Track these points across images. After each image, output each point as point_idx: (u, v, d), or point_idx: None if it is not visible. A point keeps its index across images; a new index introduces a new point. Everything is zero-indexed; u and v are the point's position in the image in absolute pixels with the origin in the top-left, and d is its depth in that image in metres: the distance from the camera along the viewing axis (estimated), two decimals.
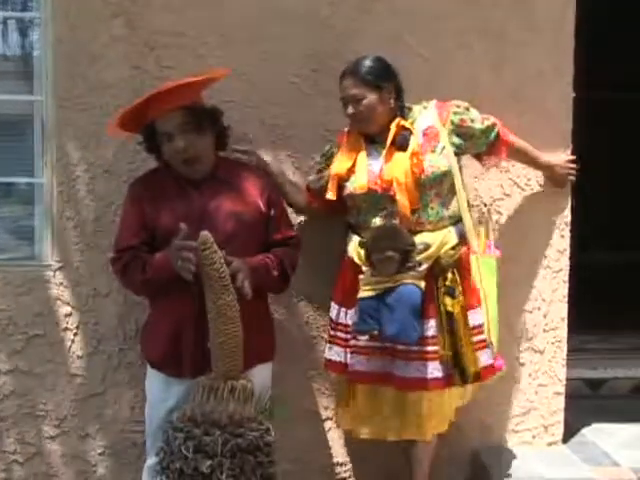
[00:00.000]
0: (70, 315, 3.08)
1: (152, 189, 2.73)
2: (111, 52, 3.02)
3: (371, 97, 2.74)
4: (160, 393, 2.73)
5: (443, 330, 2.72)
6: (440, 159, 2.76)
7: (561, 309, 3.21)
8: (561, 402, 3.24)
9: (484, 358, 2.77)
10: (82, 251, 3.06)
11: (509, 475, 3.02)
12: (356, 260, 2.78)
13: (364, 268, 2.74)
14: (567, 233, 3.20)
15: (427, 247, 2.71)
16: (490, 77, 3.12)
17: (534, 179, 3.15)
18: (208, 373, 2.54)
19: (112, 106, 3.01)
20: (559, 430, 3.25)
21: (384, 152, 2.76)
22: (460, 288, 2.74)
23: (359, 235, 2.79)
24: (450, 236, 2.77)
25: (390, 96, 2.78)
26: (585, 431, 3.39)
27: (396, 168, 2.73)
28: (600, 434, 3.36)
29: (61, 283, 3.07)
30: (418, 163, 2.72)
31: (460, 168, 2.84)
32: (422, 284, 2.69)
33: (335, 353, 2.83)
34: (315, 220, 3.04)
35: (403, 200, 2.70)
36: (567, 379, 3.26)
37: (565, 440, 3.27)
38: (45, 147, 3.07)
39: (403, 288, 2.67)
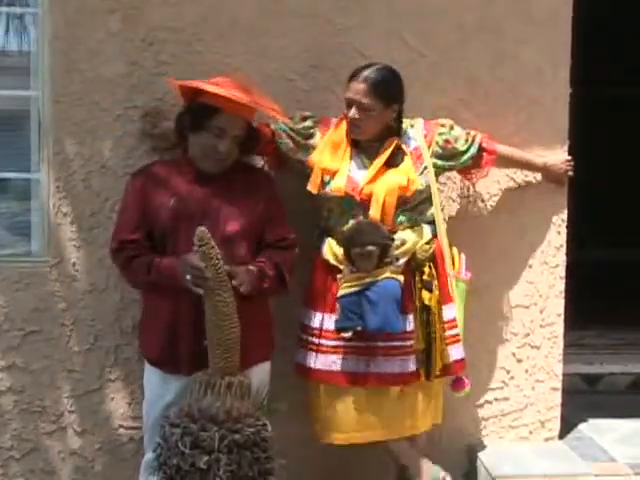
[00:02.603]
0: (66, 311, 3.07)
1: (155, 182, 2.72)
2: (108, 48, 3.01)
3: (377, 110, 2.75)
4: (158, 389, 2.73)
5: (418, 324, 2.76)
6: (420, 178, 2.80)
7: (558, 305, 3.22)
8: (558, 398, 3.25)
9: (456, 352, 2.83)
10: (78, 247, 3.06)
11: (506, 471, 3.02)
12: (332, 261, 2.80)
13: (342, 266, 2.76)
14: (564, 229, 3.20)
15: (403, 242, 2.75)
16: (488, 74, 3.12)
17: (531, 175, 3.15)
18: (206, 369, 2.55)
19: (109, 102, 3.01)
20: (556, 426, 3.26)
21: (370, 167, 2.78)
22: (436, 282, 2.79)
23: (332, 238, 2.81)
24: (424, 232, 2.81)
25: (393, 115, 2.80)
26: (582, 427, 3.39)
27: (380, 185, 2.74)
28: (597, 430, 3.37)
29: (57, 279, 3.06)
30: (407, 185, 2.74)
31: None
32: (401, 278, 2.73)
33: (303, 358, 2.84)
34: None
35: (375, 215, 2.73)
36: (564, 375, 3.27)
37: (562, 436, 3.28)
38: (42, 143, 3.06)
39: (384, 282, 2.71)
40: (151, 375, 2.77)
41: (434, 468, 2.89)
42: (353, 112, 2.75)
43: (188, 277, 2.52)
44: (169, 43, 3.02)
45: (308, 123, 2.88)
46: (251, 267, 2.65)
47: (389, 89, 2.77)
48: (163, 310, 2.69)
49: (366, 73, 2.75)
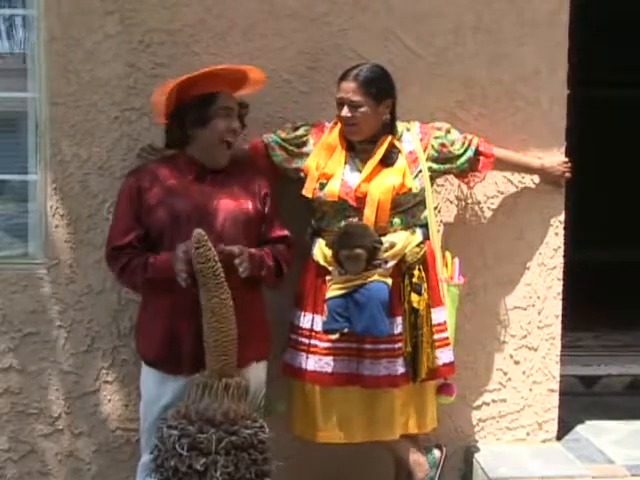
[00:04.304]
0: (64, 313, 3.07)
1: (151, 182, 2.72)
2: (105, 49, 3.01)
3: (369, 107, 2.76)
4: (155, 390, 2.73)
5: (407, 327, 2.77)
6: (414, 182, 2.80)
7: (555, 306, 3.22)
8: (555, 399, 3.25)
9: (445, 355, 2.83)
10: (75, 248, 3.06)
11: (503, 472, 3.02)
12: (321, 262, 2.80)
13: (331, 268, 2.76)
14: (561, 231, 3.20)
15: (392, 245, 2.75)
16: (485, 75, 3.12)
17: (528, 177, 3.15)
18: (203, 371, 2.55)
19: (106, 103, 3.01)
20: (553, 427, 3.26)
21: (366, 166, 2.78)
22: (425, 285, 2.79)
23: (323, 239, 2.81)
24: (415, 235, 2.81)
25: (386, 111, 2.80)
26: (579, 428, 3.40)
27: (375, 184, 2.75)
28: (594, 431, 3.37)
29: (54, 281, 3.06)
30: (403, 182, 2.75)
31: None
32: (389, 281, 2.73)
33: (293, 358, 2.84)
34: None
35: (370, 215, 2.73)
36: (561, 376, 3.27)
37: (559, 437, 3.28)
38: (39, 144, 3.06)
39: (371, 285, 2.71)
40: (148, 376, 2.76)
41: (428, 455, 2.93)
42: (345, 111, 2.76)
43: (178, 266, 2.53)
44: (166, 45, 3.02)
45: (300, 132, 2.89)
46: (254, 251, 2.66)
47: (379, 85, 2.78)
48: (162, 311, 2.68)
49: (355, 72, 2.77)
